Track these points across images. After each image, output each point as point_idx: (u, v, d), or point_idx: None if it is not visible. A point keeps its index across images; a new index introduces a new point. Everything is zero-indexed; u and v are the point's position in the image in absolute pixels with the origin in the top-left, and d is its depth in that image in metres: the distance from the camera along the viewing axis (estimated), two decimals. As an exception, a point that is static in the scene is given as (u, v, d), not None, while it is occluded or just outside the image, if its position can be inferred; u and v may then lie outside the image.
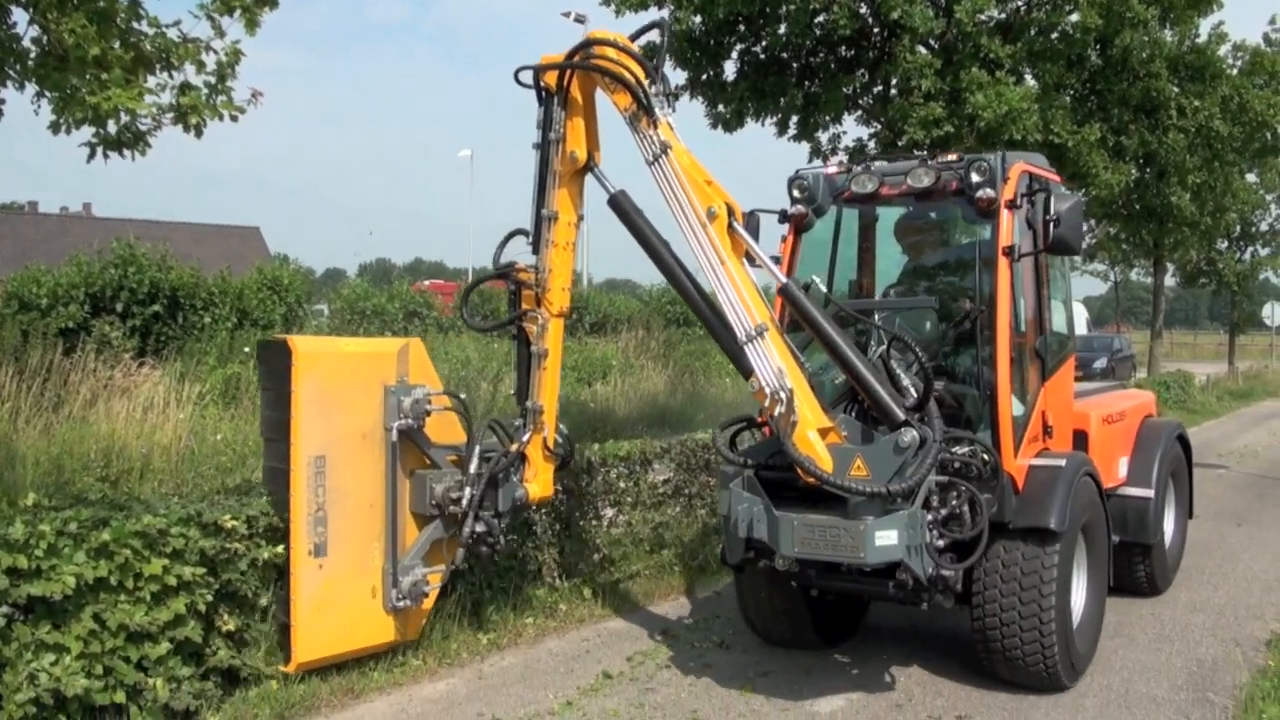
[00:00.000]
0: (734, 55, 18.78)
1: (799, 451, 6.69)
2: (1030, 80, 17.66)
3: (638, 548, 10.53)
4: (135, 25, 7.66)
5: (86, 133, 7.83)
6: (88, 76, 7.43)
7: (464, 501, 7.79)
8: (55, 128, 7.77)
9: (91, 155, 7.99)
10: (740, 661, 8.28)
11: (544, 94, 7.85)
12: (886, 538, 6.52)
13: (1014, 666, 7.41)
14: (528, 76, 7.86)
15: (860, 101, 19.07)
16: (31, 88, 7.82)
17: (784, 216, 8.39)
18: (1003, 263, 7.50)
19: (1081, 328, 48.20)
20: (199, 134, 8.05)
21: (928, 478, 6.62)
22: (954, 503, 6.89)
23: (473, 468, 7.88)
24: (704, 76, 18.88)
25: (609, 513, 10.48)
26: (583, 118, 7.76)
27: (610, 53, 7.42)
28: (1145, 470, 9.77)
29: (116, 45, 7.49)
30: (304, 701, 7.20)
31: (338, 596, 7.47)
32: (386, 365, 7.79)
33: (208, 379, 15.68)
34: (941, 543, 6.81)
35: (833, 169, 8.45)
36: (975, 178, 7.54)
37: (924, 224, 8.77)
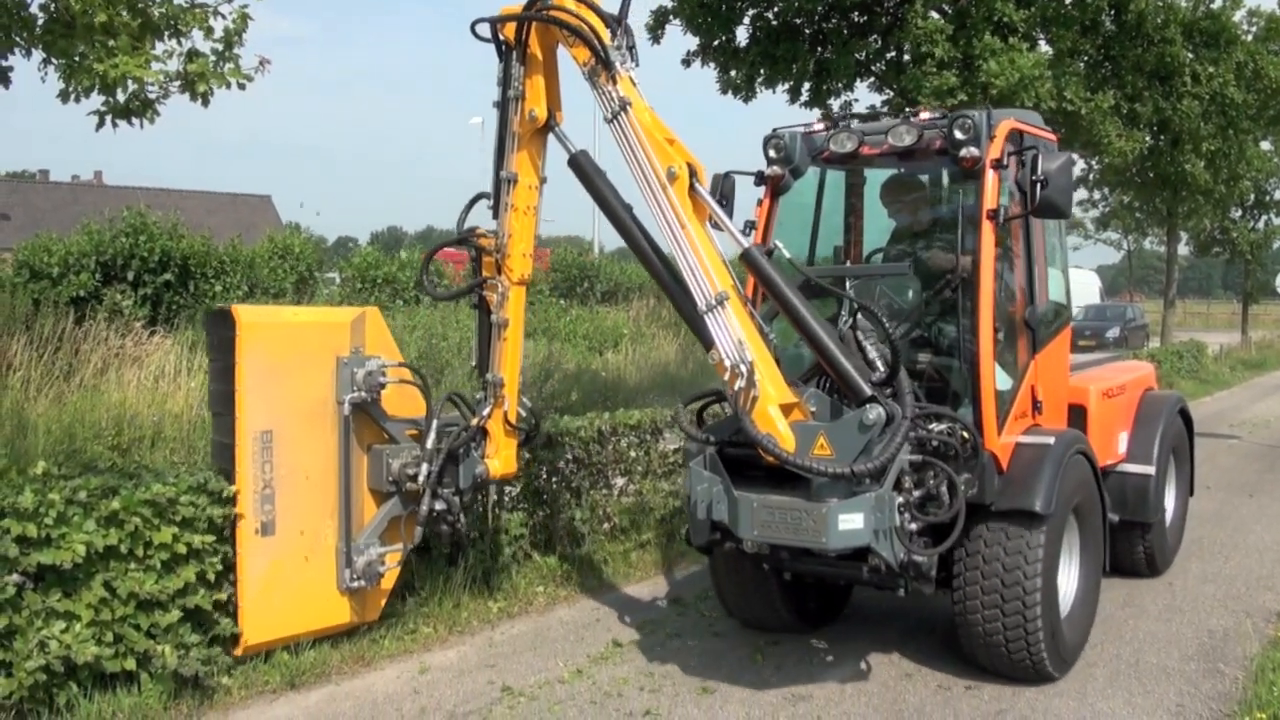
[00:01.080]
0: (746, 20, 18.69)
1: (758, 429, 6.31)
2: (1044, 46, 17.54)
3: (648, 516, 10.53)
4: (142, -9, 7.64)
5: (95, 101, 7.83)
6: (95, 43, 7.41)
7: (420, 478, 7.49)
8: (64, 96, 7.78)
9: (100, 123, 8.00)
10: (750, 630, 8.26)
11: (504, 48, 7.41)
12: (851, 521, 6.11)
13: (996, 657, 7.05)
14: (485, 29, 7.39)
15: (873, 68, 18.96)
16: (39, 55, 7.82)
17: (760, 178, 7.97)
18: (987, 226, 7.04)
19: (1095, 297, 48.12)
20: (206, 102, 8.04)
21: (899, 457, 6.20)
22: (930, 484, 6.47)
23: (430, 443, 7.55)
24: (716, 42, 18.80)
25: (620, 481, 10.48)
26: (542, 74, 7.35)
27: (568, 3, 6.99)
28: (1146, 446, 9.37)
29: (124, 12, 7.47)
30: (314, 669, 7.23)
31: (287, 577, 7.19)
32: (339, 336, 7.43)
33: (219, 347, 15.68)
34: (915, 526, 6.39)
35: (811, 127, 7.94)
36: (959, 135, 7.04)
37: (909, 185, 8.25)
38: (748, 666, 7.54)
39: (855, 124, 7.73)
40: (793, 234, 8.10)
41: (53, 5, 7.54)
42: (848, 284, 7.69)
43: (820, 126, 7.86)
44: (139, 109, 7.99)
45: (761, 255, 6.77)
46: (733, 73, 19.01)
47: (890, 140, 7.36)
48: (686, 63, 19.26)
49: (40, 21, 7.67)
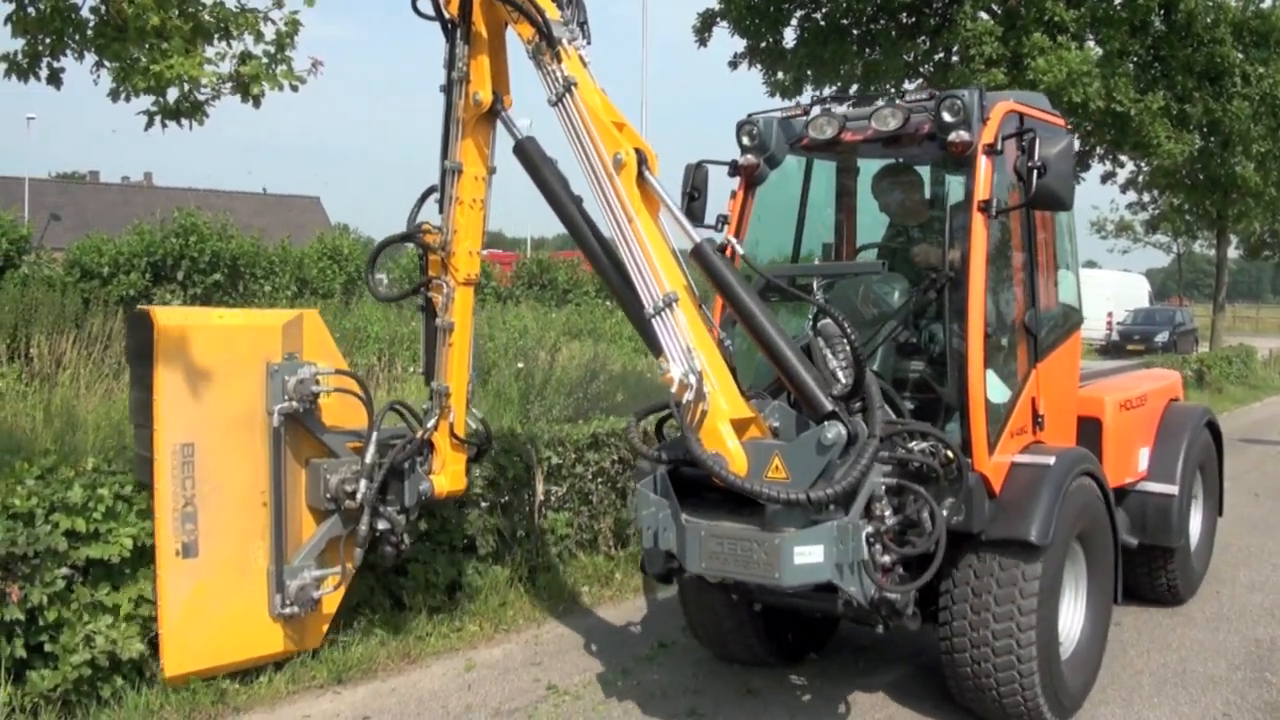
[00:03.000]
0: (794, 22, 18.69)
1: (703, 448, 5.58)
2: (1093, 46, 17.45)
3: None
4: (193, -5, 7.70)
5: (144, 102, 7.91)
6: (147, 46, 7.49)
7: (359, 495, 6.92)
8: (115, 95, 7.86)
9: (150, 124, 8.08)
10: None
11: (449, 27, 6.83)
12: (808, 554, 5.35)
13: (986, 702, 6.30)
14: (428, 6, 6.83)
15: (921, 69, 18.92)
16: (91, 57, 7.90)
17: (734, 168, 7.17)
18: (978, 219, 6.21)
19: (1144, 301, 47.71)
20: (258, 103, 8.11)
21: (869, 480, 5.45)
22: (910, 510, 5.72)
23: (369, 457, 6.95)
24: (763, 44, 18.81)
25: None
26: (488, 54, 6.76)
27: None
28: (1169, 463, 8.53)
29: (175, 15, 7.53)
30: (361, 665, 7.27)
31: (212, 603, 6.60)
32: (270, 340, 6.83)
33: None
34: (888, 559, 5.56)
35: (790, 112, 7.18)
36: (947, 118, 6.19)
37: (901, 174, 7.51)
38: (792, 670, 7.51)
39: (839, 107, 6.96)
40: (777, 229, 7.65)
41: (104, 9, 7.61)
42: (815, 284, 6.81)
43: (799, 110, 7.18)
44: (189, 110, 8.07)
45: (714, 252, 6.03)
46: (780, 74, 19.00)
47: (874, 124, 6.61)
48: (734, 64, 19.27)
49: (91, 24, 7.76)
